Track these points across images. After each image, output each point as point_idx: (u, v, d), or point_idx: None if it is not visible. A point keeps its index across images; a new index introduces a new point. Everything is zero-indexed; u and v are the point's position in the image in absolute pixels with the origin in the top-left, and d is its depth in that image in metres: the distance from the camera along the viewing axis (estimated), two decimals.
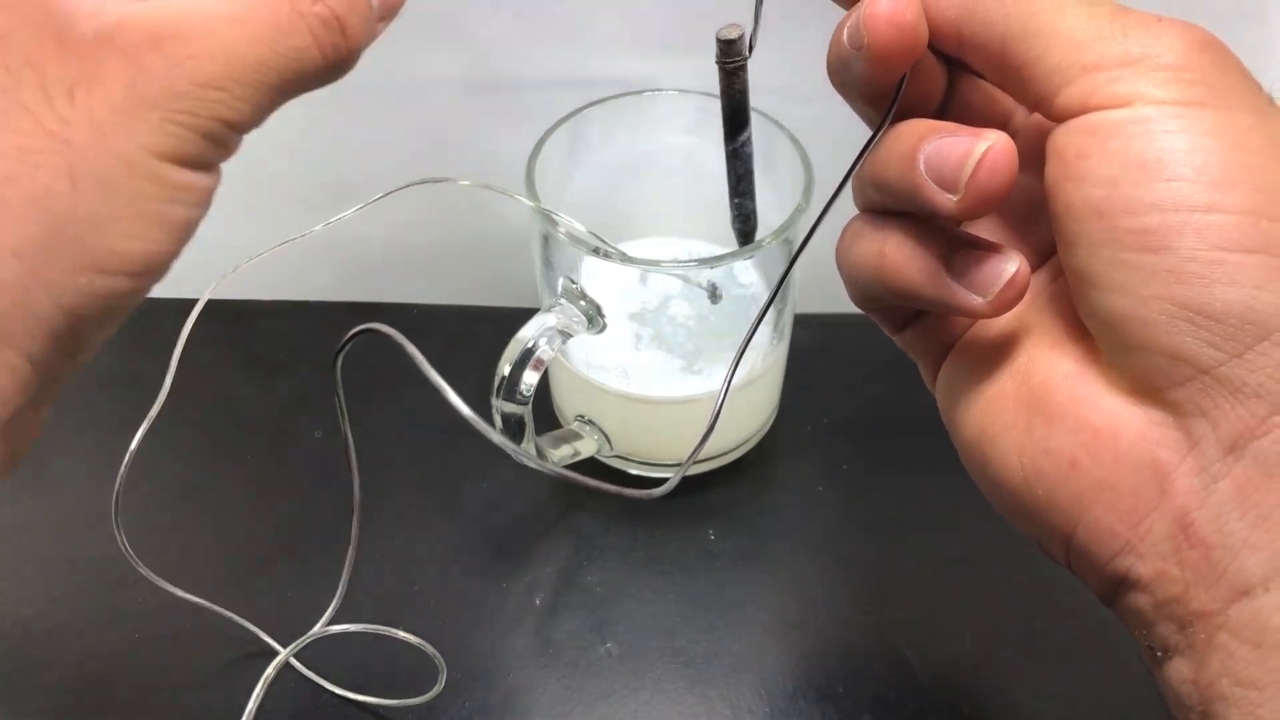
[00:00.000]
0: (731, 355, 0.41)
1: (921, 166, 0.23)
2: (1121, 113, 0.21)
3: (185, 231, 0.20)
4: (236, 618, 0.37)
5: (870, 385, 0.47)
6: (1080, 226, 0.21)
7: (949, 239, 0.24)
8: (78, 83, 0.19)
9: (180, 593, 0.36)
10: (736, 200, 0.30)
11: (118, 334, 0.21)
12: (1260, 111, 0.21)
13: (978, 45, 0.23)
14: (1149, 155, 0.20)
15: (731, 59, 0.26)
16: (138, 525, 0.34)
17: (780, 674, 0.38)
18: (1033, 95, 0.22)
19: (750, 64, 0.46)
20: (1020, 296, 0.23)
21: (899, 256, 0.24)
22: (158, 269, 0.20)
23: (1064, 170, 0.22)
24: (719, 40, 0.26)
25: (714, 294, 0.38)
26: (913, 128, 0.24)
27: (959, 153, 0.22)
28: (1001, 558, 0.40)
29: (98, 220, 0.19)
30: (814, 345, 0.48)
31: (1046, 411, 0.23)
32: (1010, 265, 0.23)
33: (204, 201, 0.20)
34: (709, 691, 0.37)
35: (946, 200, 0.22)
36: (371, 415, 0.47)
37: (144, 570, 0.35)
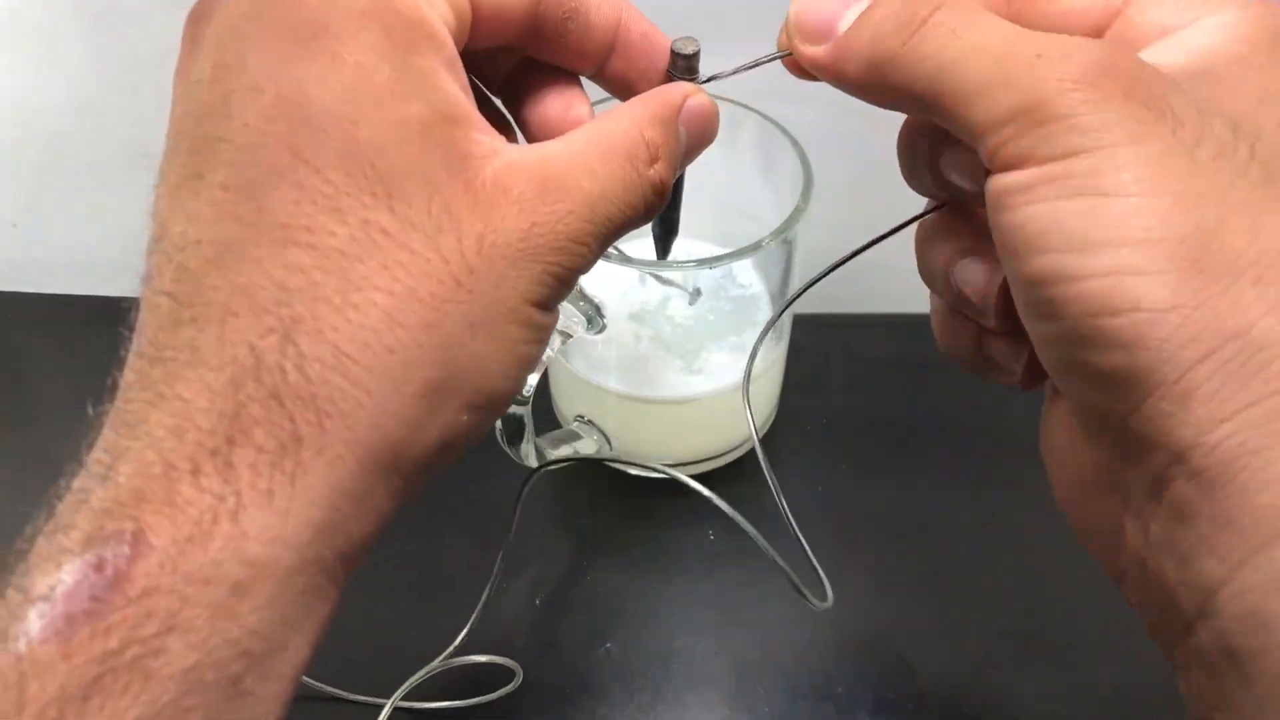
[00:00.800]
0: (729, 355, 0.41)
1: (955, 284, 0.25)
2: (1006, 180, 0.21)
3: (533, 366, 0.22)
4: None
5: (870, 385, 0.47)
6: (1012, 289, 0.22)
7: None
8: (484, 234, 0.20)
9: None
10: (664, 212, 0.30)
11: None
12: (1139, 139, 0.20)
13: (902, 107, 0.23)
14: (1029, 229, 0.20)
15: (688, 76, 0.25)
16: None
17: (780, 674, 0.38)
18: (963, 140, 0.22)
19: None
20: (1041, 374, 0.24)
21: (941, 332, 0.27)
22: (510, 402, 0.22)
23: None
24: (677, 53, 0.25)
25: (695, 295, 0.38)
26: (939, 246, 0.25)
27: (984, 281, 0.24)
28: (1001, 558, 0.40)
29: (483, 363, 0.20)
30: (814, 345, 0.48)
31: (1048, 449, 0.24)
32: (1025, 348, 0.24)
33: (547, 338, 0.22)
34: (709, 692, 0.37)
35: (984, 320, 0.24)
36: None
37: None
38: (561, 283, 0.21)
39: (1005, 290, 0.22)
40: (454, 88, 0.21)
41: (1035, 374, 0.25)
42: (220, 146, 0.19)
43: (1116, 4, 0.23)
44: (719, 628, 0.39)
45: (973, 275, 0.24)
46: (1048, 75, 0.20)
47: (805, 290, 0.29)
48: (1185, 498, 0.20)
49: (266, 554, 0.18)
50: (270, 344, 0.19)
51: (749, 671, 0.38)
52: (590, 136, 0.22)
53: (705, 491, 0.28)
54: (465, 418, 0.20)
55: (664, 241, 0.30)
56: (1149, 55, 0.22)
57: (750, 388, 0.42)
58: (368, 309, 0.19)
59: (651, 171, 0.23)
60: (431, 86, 0.20)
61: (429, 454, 0.20)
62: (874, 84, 0.23)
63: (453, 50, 0.21)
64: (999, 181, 0.21)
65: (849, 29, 0.23)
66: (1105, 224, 0.20)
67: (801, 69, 0.24)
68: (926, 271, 0.26)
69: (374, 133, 0.19)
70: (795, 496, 0.44)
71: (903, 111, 0.24)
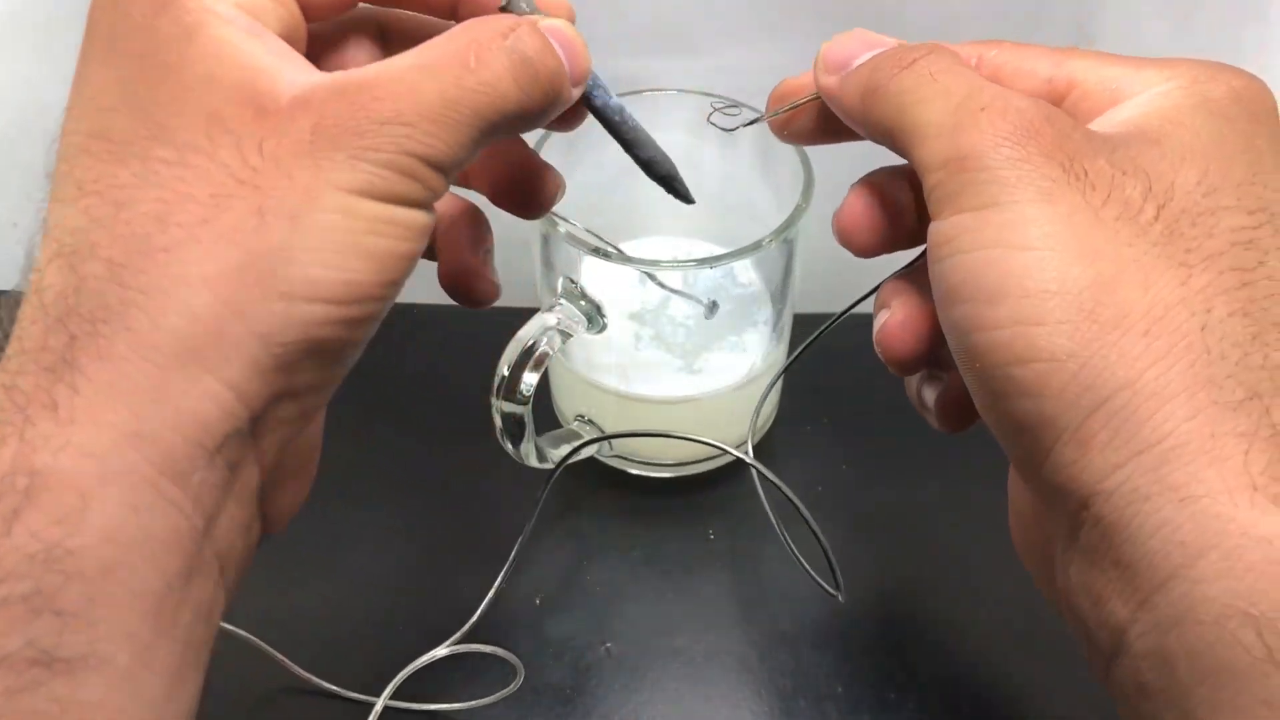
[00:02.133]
0: (729, 355, 0.41)
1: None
2: (938, 228, 0.22)
3: (392, 262, 0.21)
4: (252, 638, 0.37)
5: (870, 385, 0.47)
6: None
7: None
8: (267, 137, 0.20)
9: None
10: (634, 156, 0.28)
11: None
12: (1047, 197, 0.21)
13: (880, 142, 0.25)
14: (951, 279, 0.22)
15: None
16: None
17: (780, 674, 0.38)
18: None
19: (748, 65, 0.45)
20: (960, 416, 0.28)
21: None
22: (363, 298, 0.21)
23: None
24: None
25: (712, 309, 0.38)
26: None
27: (928, 397, 0.29)
28: (1001, 557, 0.40)
29: (287, 250, 0.20)
30: (814, 345, 0.48)
31: (1012, 491, 0.26)
32: (939, 388, 0.28)
33: (411, 235, 0.21)
34: (709, 691, 0.37)
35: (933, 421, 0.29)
36: (371, 414, 0.47)
37: None
38: (394, 170, 0.21)
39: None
40: (249, 46, 0.21)
41: (949, 417, 0.28)
42: (63, 142, 0.22)
43: (1060, 87, 0.24)
44: (719, 627, 0.39)
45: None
46: (985, 128, 0.22)
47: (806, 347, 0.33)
48: (1093, 542, 0.21)
49: (57, 463, 0.18)
50: (57, 280, 0.20)
51: (749, 671, 0.38)
52: (416, 49, 0.22)
53: (766, 471, 0.28)
54: (278, 306, 0.20)
55: (670, 188, 0.29)
56: (1099, 122, 0.23)
57: (749, 388, 0.42)
58: (138, 221, 0.20)
59: (507, 42, 0.22)
60: (217, 54, 0.21)
61: (249, 351, 0.20)
62: (862, 112, 0.25)
63: (248, 22, 0.22)
64: (933, 230, 0.22)
65: (858, 65, 0.25)
66: (1011, 275, 0.21)
67: (780, 129, 0.28)
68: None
69: (165, 97, 0.21)
70: (795, 496, 0.44)
71: (883, 145, 0.25)
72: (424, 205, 0.22)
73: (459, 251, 0.28)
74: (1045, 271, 0.20)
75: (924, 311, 0.26)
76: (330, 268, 0.20)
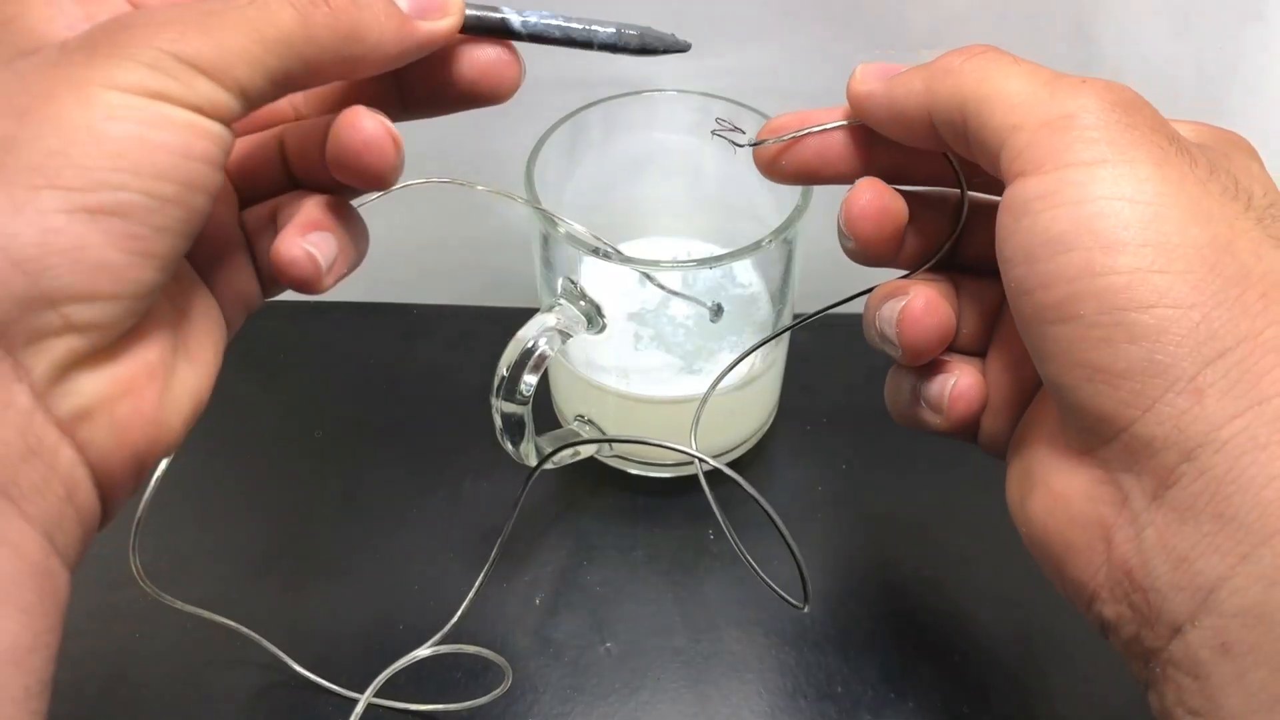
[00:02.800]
0: (730, 355, 0.41)
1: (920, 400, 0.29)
2: (1029, 186, 0.22)
3: (134, 147, 0.20)
4: (251, 633, 0.37)
5: (870, 385, 0.47)
6: (1014, 304, 0.23)
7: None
8: (14, 58, 0.21)
9: (181, 604, 0.36)
10: (601, 49, 0.27)
11: None
12: (1161, 162, 0.22)
13: (945, 121, 0.25)
14: (1053, 230, 0.22)
15: None
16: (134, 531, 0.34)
17: (780, 674, 0.38)
18: (987, 159, 0.24)
19: (748, 66, 0.46)
20: (970, 407, 0.28)
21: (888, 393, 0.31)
22: (101, 185, 0.20)
23: (998, 252, 0.24)
24: None
25: (717, 313, 0.38)
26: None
27: (936, 390, 0.28)
28: (1001, 557, 0.40)
29: (11, 141, 0.20)
30: (814, 345, 0.48)
31: (1031, 479, 0.25)
32: (950, 379, 0.28)
33: (163, 125, 0.21)
34: (709, 691, 0.37)
35: (935, 418, 0.29)
36: (371, 413, 0.47)
37: (149, 588, 0.35)
38: (141, 62, 0.20)
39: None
40: (63, 25, 0.22)
41: (962, 407, 0.28)
42: None
43: None
44: (719, 627, 0.39)
45: (935, 387, 0.28)
46: (1091, 94, 0.23)
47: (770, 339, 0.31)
48: (1190, 496, 0.21)
49: None
50: None
51: (749, 671, 0.38)
52: None
53: (739, 479, 0.30)
54: (5, 195, 0.19)
55: (654, 53, 0.28)
56: None
57: (748, 388, 0.42)
58: None
59: None
60: (30, 29, 0.22)
61: (21, 254, 0.19)
62: (927, 95, 0.25)
63: (68, 22, 0.22)
64: (1027, 185, 0.23)
65: (910, 69, 0.26)
66: (1131, 226, 0.21)
67: (768, 166, 0.30)
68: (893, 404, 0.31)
69: None
70: (794, 496, 0.44)
71: (920, 135, 0.26)
72: (184, 104, 0.21)
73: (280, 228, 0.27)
74: (1166, 224, 0.21)
75: (944, 299, 0.27)
76: (56, 153, 0.20)
